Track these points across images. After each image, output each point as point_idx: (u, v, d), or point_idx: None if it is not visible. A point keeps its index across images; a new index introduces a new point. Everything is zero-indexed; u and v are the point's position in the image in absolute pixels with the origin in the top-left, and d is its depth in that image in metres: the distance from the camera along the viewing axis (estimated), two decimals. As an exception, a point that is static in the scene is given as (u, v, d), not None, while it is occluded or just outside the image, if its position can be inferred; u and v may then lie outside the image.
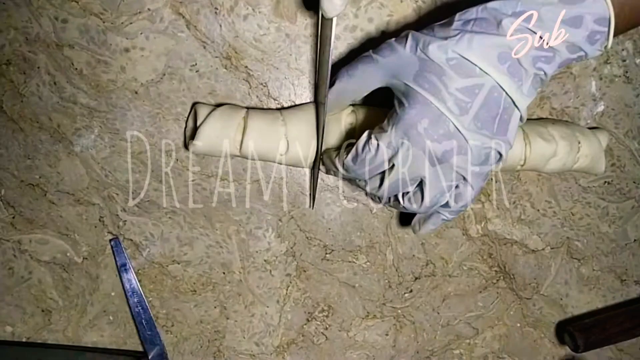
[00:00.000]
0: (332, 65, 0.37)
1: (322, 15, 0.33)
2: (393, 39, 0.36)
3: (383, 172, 0.38)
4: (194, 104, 0.45)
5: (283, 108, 0.46)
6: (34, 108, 0.45)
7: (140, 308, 0.49)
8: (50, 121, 0.46)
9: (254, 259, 0.50)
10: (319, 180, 0.49)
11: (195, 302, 0.50)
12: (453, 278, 0.53)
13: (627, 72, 0.49)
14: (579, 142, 0.47)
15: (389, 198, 0.40)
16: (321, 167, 0.45)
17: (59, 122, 0.46)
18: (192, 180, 0.48)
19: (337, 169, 0.40)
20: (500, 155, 0.36)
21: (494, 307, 0.54)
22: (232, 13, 0.44)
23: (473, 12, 0.33)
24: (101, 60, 0.44)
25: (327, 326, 0.52)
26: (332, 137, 0.44)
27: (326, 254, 0.51)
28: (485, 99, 0.33)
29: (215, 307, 0.51)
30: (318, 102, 0.43)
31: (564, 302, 0.55)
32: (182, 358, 0.51)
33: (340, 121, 0.44)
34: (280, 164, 0.46)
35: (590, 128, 0.49)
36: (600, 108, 0.50)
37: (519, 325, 0.55)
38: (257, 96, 0.46)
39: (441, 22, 0.35)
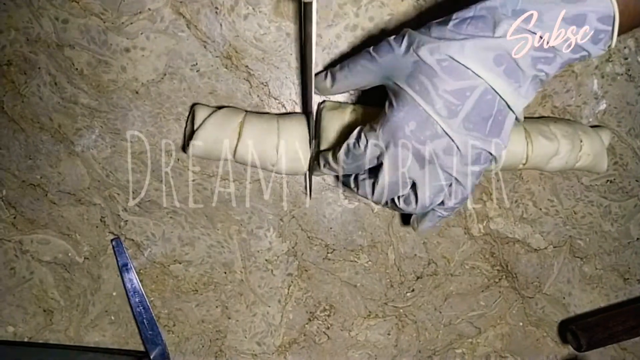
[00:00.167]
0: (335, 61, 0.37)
1: (302, 1, 0.33)
2: (392, 37, 0.36)
3: (374, 178, 0.38)
4: (193, 106, 0.45)
5: (281, 114, 0.46)
6: (34, 108, 0.45)
7: (141, 308, 0.49)
8: (51, 121, 0.46)
9: (256, 258, 0.50)
10: (319, 179, 0.49)
11: (197, 302, 0.50)
12: (455, 277, 0.52)
13: (629, 70, 0.49)
14: (581, 141, 0.46)
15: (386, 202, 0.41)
16: (317, 168, 0.45)
17: (60, 123, 0.46)
18: (193, 180, 0.48)
19: (330, 164, 0.41)
20: (493, 155, 0.36)
21: (496, 306, 0.54)
22: (232, 12, 0.44)
23: (471, 10, 0.33)
24: (102, 60, 0.44)
25: (329, 326, 0.52)
26: (333, 135, 0.44)
27: (328, 253, 0.51)
28: (477, 102, 0.33)
29: (216, 307, 0.51)
30: (308, 95, 0.43)
31: (566, 301, 0.55)
32: (184, 358, 0.51)
33: (341, 120, 0.44)
34: (278, 173, 0.46)
35: (592, 126, 0.49)
36: (602, 106, 0.50)
37: (521, 324, 0.55)
38: (258, 95, 0.46)
39: (439, 20, 0.35)
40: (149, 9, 0.44)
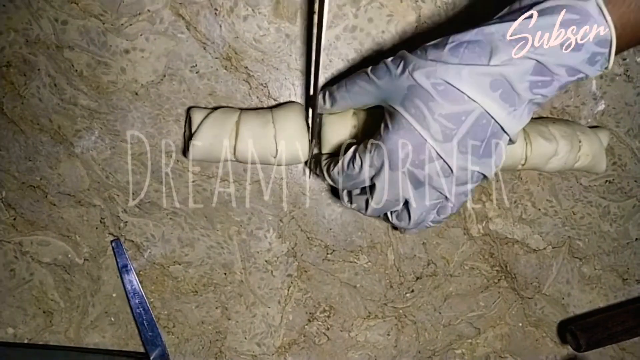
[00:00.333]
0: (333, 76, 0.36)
1: None
2: (390, 59, 0.36)
3: (368, 195, 0.39)
4: (189, 109, 0.45)
5: (273, 107, 0.46)
6: (34, 110, 0.45)
7: (141, 309, 0.49)
8: (51, 123, 0.46)
9: (255, 259, 0.50)
10: (319, 180, 0.49)
11: (197, 303, 0.50)
12: (454, 278, 0.53)
13: (627, 70, 0.49)
14: (580, 141, 0.47)
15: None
16: (315, 170, 0.45)
17: (59, 124, 0.46)
18: (193, 181, 0.48)
19: (324, 178, 0.42)
20: (484, 175, 0.36)
21: (496, 306, 0.54)
22: (232, 14, 0.44)
23: (468, 34, 0.33)
24: (101, 61, 0.45)
25: (329, 326, 0.52)
26: (334, 137, 0.44)
27: (327, 254, 0.51)
28: (472, 126, 0.33)
29: (216, 308, 0.51)
30: (314, 91, 0.43)
31: (565, 302, 0.55)
32: (184, 359, 0.51)
33: (343, 122, 0.44)
34: (279, 165, 0.46)
35: (591, 127, 0.49)
36: (601, 107, 0.50)
37: (520, 324, 0.55)
38: (258, 97, 0.46)
39: (435, 42, 0.34)
40: (149, 11, 0.44)
